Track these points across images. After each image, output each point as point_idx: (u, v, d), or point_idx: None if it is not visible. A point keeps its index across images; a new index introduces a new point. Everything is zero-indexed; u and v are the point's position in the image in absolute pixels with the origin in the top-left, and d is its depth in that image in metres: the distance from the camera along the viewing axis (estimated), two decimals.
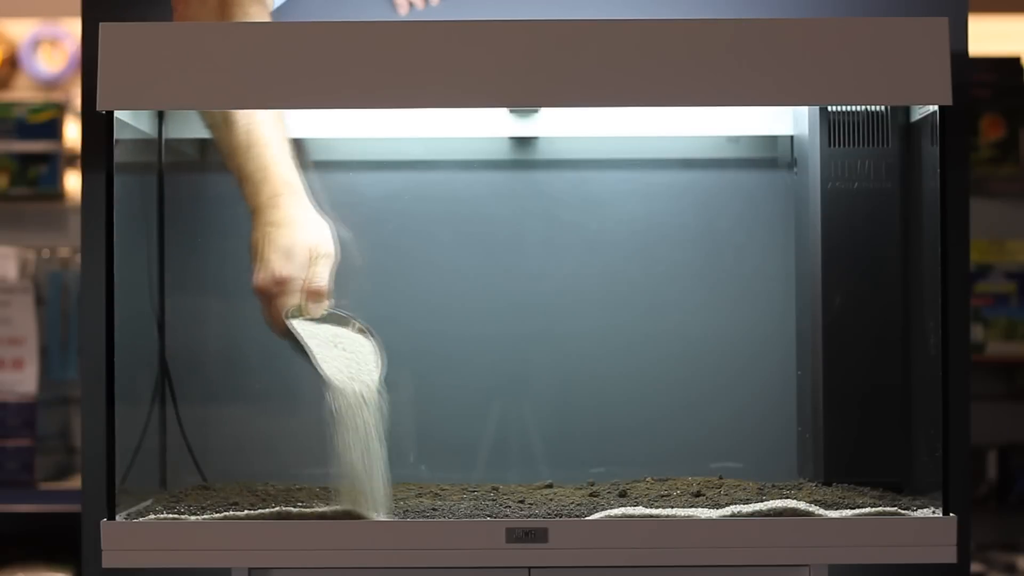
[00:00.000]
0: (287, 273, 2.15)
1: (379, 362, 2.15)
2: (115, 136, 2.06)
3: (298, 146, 2.24)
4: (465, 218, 2.41)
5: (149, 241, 2.32)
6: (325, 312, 2.17)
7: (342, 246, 2.20)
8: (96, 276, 2.36)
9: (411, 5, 2.43)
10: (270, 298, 2.16)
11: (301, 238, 2.16)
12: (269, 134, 2.19)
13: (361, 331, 2.18)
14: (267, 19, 2.31)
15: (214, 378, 2.42)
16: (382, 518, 2.04)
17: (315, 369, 2.10)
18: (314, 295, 2.16)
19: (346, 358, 2.14)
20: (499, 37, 2.04)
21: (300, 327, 2.13)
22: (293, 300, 2.15)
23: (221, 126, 2.21)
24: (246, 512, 2.05)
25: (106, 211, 2.06)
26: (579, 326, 2.40)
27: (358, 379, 2.11)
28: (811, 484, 2.22)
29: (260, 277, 2.15)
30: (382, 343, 2.17)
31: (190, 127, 2.35)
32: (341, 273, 2.20)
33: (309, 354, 2.11)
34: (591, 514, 2.05)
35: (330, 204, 2.22)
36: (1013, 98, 4.04)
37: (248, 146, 2.18)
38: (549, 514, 2.05)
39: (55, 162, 4.00)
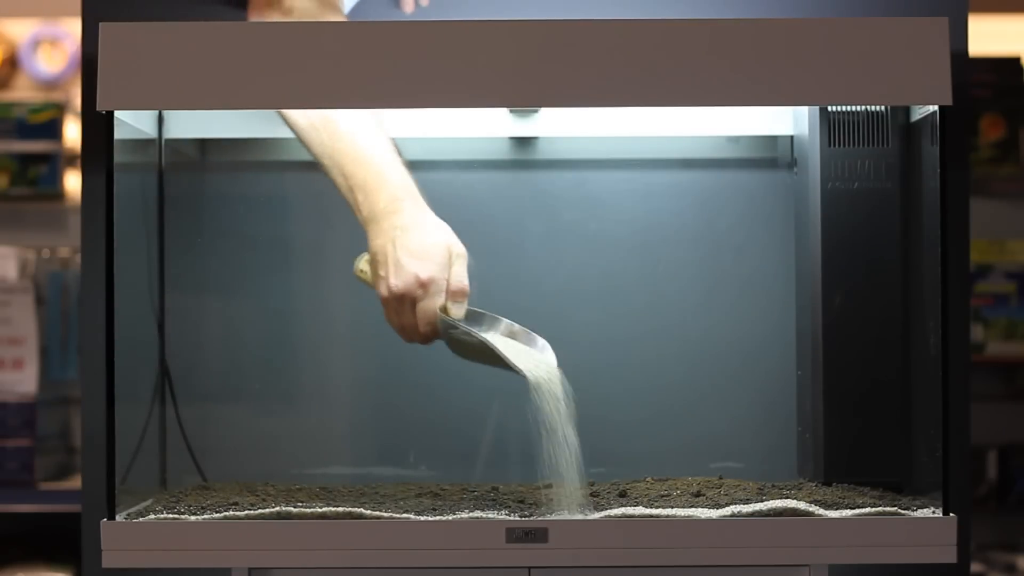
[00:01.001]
0: (430, 275, 2.11)
1: (547, 354, 2.13)
2: (115, 136, 2.07)
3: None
4: (465, 218, 2.40)
5: (149, 241, 2.32)
6: (466, 312, 2.15)
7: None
8: (96, 276, 2.36)
9: (416, 3, 2.43)
10: (412, 302, 2.12)
11: (434, 239, 2.13)
12: (377, 139, 2.17)
13: (511, 332, 2.16)
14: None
15: (214, 378, 2.42)
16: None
17: (504, 366, 2.08)
18: (458, 295, 2.13)
19: (527, 352, 2.12)
20: (499, 37, 2.04)
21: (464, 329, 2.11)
22: (437, 302, 2.12)
23: (314, 134, 2.19)
24: (246, 512, 2.05)
25: (106, 211, 2.06)
26: (579, 326, 2.40)
27: (545, 372, 2.09)
28: (811, 484, 2.22)
29: (398, 282, 2.11)
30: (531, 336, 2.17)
31: (190, 127, 2.35)
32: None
33: (497, 352, 2.08)
34: (591, 514, 2.04)
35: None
36: (1013, 98, 4.04)
37: (356, 153, 2.16)
38: (549, 514, 2.05)
39: (55, 162, 4.00)
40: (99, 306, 2.10)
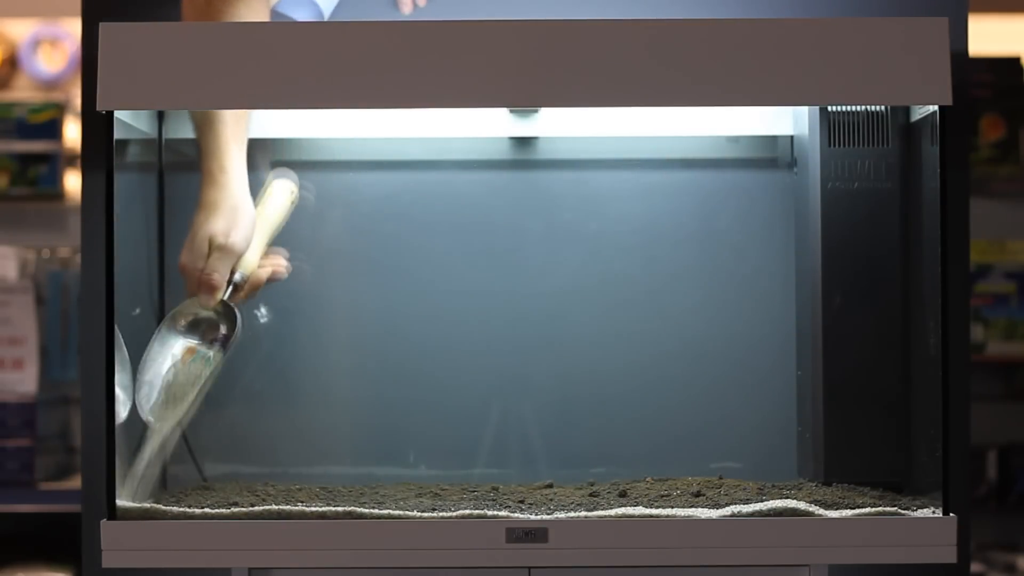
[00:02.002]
0: (184, 260, 2.18)
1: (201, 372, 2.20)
2: (115, 136, 2.07)
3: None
4: (465, 218, 2.41)
5: (149, 241, 2.32)
6: (213, 307, 2.21)
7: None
8: (96, 276, 2.36)
9: (415, 4, 2.43)
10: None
11: (210, 226, 2.17)
12: (228, 117, 2.20)
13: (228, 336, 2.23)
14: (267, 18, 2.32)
15: (214, 378, 2.42)
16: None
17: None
18: (205, 286, 2.18)
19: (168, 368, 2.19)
20: (499, 37, 2.04)
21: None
22: (191, 287, 2.20)
23: (202, 117, 2.23)
24: (246, 512, 2.05)
25: (106, 211, 2.06)
26: (579, 326, 2.40)
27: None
28: (811, 484, 2.22)
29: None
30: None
31: (190, 127, 2.35)
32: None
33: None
34: (591, 514, 2.05)
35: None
36: (1013, 98, 4.04)
37: (204, 122, 2.20)
38: (549, 514, 2.05)
39: (55, 162, 4.00)
40: (99, 306, 2.10)
